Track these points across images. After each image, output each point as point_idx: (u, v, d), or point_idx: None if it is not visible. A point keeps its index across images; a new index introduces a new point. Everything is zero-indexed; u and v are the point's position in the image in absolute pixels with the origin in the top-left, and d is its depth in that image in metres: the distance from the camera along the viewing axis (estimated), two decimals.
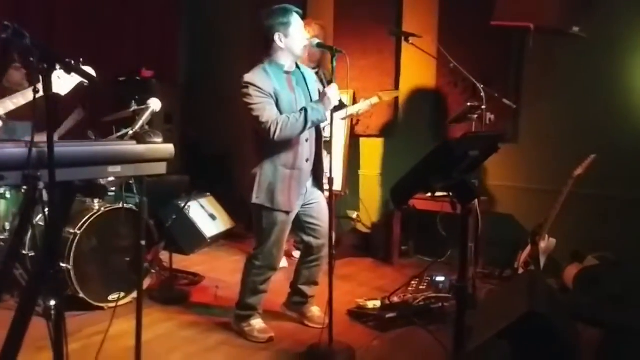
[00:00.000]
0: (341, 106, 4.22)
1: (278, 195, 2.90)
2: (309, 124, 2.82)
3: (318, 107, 2.83)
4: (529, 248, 3.93)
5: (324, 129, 4.03)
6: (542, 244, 3.87)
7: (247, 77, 2.85)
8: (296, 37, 2.90)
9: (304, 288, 3.27)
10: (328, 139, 4.08)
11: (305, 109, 2.83)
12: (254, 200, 2.93)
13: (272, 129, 2.75)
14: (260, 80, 2.83)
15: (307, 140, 2.99)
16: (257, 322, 3.10)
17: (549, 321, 2.44)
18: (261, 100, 2.80)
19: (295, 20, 2.91)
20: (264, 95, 2.82)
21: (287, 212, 2.95)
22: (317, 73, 3.97)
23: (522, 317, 2.42)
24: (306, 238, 3.15)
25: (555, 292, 3.44)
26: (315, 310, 3.32)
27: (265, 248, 3.01)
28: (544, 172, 4.32)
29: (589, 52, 4.04)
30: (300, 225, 3.13)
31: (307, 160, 3.00)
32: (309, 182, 3.09)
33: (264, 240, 3.00)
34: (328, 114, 2.89)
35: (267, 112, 2.78)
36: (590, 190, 3.99)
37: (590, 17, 3.72)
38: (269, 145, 2.87)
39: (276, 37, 2.89)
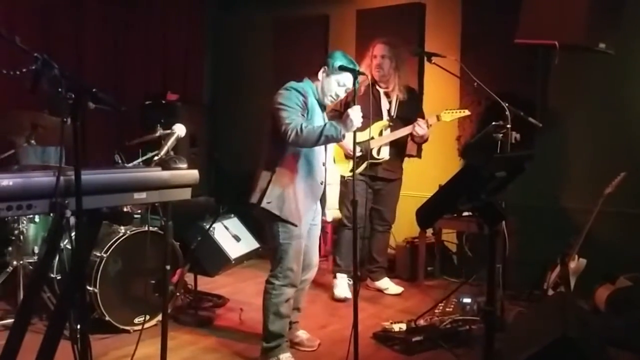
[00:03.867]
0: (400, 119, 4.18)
1: (288, 205, 2.90)
2: (322, 139, 2.81)
3: (337, 125, 2.82)
4: (558, 268, 3.84)
5: (378, 152, 4.10)
6: (572, 265, 3.78)
7: (293, 84, 2.94)
8: (331, 86, 2.98)
9: None
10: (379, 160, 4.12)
11: (325, 124, 2.86)
12: (264, 204, 2.90)
13: (291, 132, 2.77)
14: (304, 91, 2.92)
15: (323, 164, 3.04)
16: (286, 357, 2.99)
17: (582, 346, 2.37)
18: (295, 106, 2.86)
19: (345, 77, 2.95)
20: (301, 104, 2.88)
21: (296, 225, 2.94)
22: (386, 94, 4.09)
23: (554, 342, 2.35)
24: None
25: (588, 315, 3.35)
26: (302, 334, 3.30)
27: (284, 265, 2.96)
28: (573, 190, 4.24)
29: (616, 69, 3.98)
30: None
31: (321, 183, 3.04)
32: (318, 203, 3.12)
33: (282, 256, 2.96)
34: (349, 134, 2.89)
35: (295, 116, 2.83)
36: (621, 209, 3.90)
37: (617, 33, 3.66)
38: (290, 154, 2.92)
39: (323, 68, 2.99)
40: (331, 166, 3.42)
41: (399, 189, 4.40)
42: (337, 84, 2.97)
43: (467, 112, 4.18)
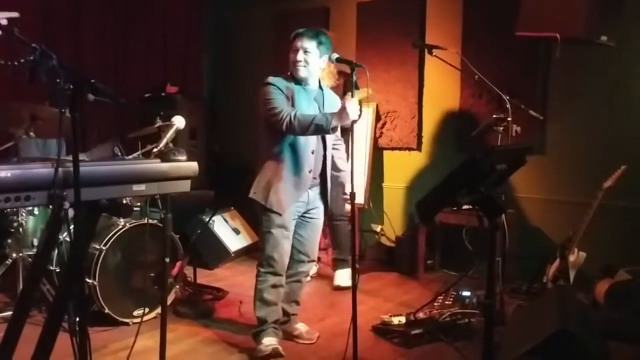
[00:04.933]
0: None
1: (272, 195, 2.94)
2: (312, 127, 2.80)
3: (329, 116, 2.79)
4: (557, 262, 3.84)
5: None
6: (572, 258, 3.78)
7: (270, 78, 2.98)
8: (290, 57, 3.00)
9: (285, 306, 3.18)
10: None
11: (318, 113, 2.89)
12: (251, 194, 3.00)
13: (285, 119, 2.80)
14: (279, 82, 2.96)
15: (312, 153, 3.01)
16: (267, 340, 3.01)
17: (581, 339, 2.37)
18: (277, 96, 2.91)
19: (292, 42, 2.99)
20: (281, 92, 2.92)
21: (279, 214, 2.95)
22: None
23: (552, 335, 2.35)
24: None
25: (587, 309, 3.34)
26: (301, 327, 3.31)
27: (265, 253, 3.01)
28: (573, 183, 4.24)
29: (618, 61, 3.97)
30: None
31: (310, 171, 3.01)
32: (314, 193, 3.09)
33: (264, 244, 3.02)
34: (342, 125, 2.88)
35: (282, 105, 2.87)
36: (620, 202, 3.89)
37: (618, 25, 3.64)
38: (276, 146, 2.95)
39: None
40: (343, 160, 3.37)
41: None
42: (291, 54, 2.98)
43: (369, 91, 4.16)
